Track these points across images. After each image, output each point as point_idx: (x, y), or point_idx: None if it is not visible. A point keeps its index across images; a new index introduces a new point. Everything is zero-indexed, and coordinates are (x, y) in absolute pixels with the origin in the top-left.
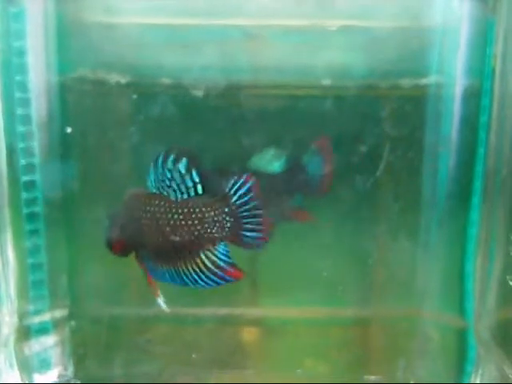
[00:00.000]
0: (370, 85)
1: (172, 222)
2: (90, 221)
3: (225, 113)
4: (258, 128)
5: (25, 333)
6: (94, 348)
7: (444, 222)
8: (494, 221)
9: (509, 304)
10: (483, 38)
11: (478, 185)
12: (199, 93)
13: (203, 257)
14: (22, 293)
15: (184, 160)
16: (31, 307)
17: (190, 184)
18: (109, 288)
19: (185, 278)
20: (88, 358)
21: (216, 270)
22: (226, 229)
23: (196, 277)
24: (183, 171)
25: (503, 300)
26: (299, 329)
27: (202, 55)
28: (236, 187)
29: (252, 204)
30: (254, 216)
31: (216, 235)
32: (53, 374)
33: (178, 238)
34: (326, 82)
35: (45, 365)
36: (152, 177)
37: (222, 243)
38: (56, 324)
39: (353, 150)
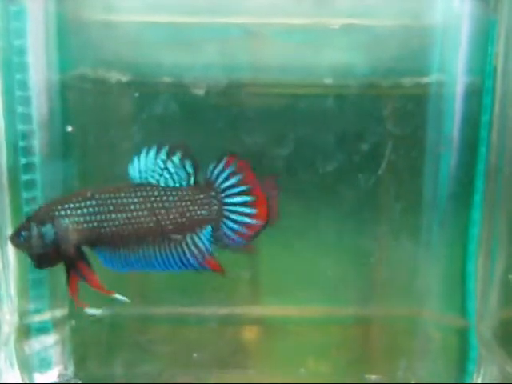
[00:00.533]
0: (371, 83)
1: (160, 208)
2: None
3: (226, 111)
4: (259, 126)
5: (25, 332)
6: (95, 347)
7: (445, 222)
8: (496, 220)
9: (511, 304)
10: (485, 36)
11: (479, 184)
12: (200, 91)
13: (188, 239)
14: (23, 292)
15: (179, 152)
16: (31, 306)
17: (184, 175)
18: (109, 287)
19: (159, 261)
20: (88, 357)
21: (197, 253)
22: (214, 211)
23: (173, 258)
24: (177, 162)
25: (505, 300)
26: (300, 328)
27: (202, 53)
28: (217, 171)
29: (237, 189)
30: (241, 203)
31: (204, 217)
32: (53, 374)
33: (168, 223)
34: (328, 80)
35: (45, 364)
36: (138, 167)
37: (208, 229)
38: (56, 323)
39: (354, 148)
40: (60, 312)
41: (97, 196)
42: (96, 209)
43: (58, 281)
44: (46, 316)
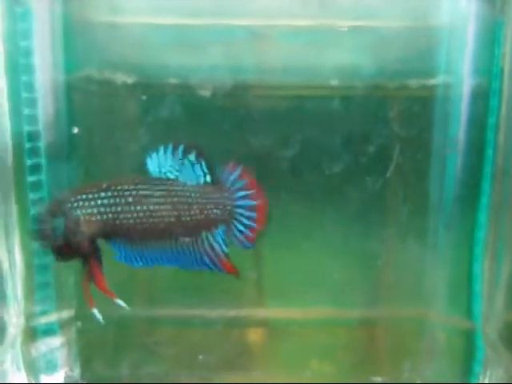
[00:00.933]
0: (377, 85)
1: (182, 204)
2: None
3: (232, 113)
4: (265, 128)
5: (31, 334)
6: (101, 349)
7: (452, 224)
8: (502, 223)
9: None
10: (491, 37)
11: (486, 186)
12: (206, 93)
13: (204, 238)
14: (29, 294)
15: (194, 151)
16: (38, 308)
17: (199, 173)
18: (115, 289)
19: (175, 257)
20: (94, 359)
21: (211, 253)
22: (227, 212)
23: (189, 256)
24: (193, 160)
25: (511, 302)
26: (306, 330)
27: (208, 55)
28: (227, 173)
29: (244, 193)
30: (248, 207)
31: (219, 217)
32: (59, 375)
33: (188, 219)
34: (334, 82)
35: (51, 366)
36: (158, 161)
37: (221, 229)
38: (62, 325)
39: (360, 150)
40: (66, 314)
41: (113, 188)
42: (112, 200)
43: (65, 283)
44: (53, 318)
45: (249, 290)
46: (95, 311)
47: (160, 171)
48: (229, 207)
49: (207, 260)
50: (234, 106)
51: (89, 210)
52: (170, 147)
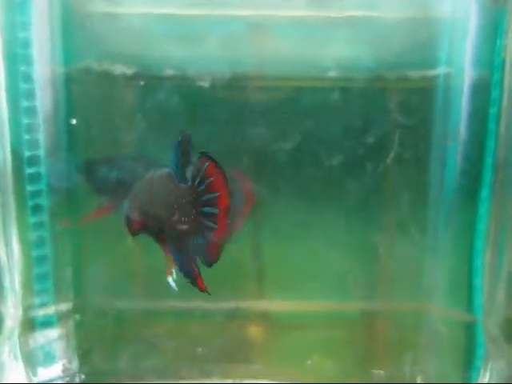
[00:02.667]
0: (377, 76)
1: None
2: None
3: (230, 104)
4: (264, 119)
5: (29, 326)
6: (99, 342)
7: (452, 216)
8: (504, 215)
9: None
10: (493, 28)
11: (487, 178)
12: (205, 84)
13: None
14: (27, 286)
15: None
16: (35, 300)
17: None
18: (114, 281)
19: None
20: (93, 351)
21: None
22: (191, 219)
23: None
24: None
25: None
26: (306, 323)
27: (207, 46)
28: (193, 173)
29: (207, 196)
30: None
31: (187, 226)
32: (57, 368)
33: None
34: (333, 73)
35: (49, 358)
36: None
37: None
38: (60, 317)
39: (360, 141)
40: (64, 306)
41: None
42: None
43: (63, 275)
44: (51, 310)
45: (249, 283)
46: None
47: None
48: (192, 215)
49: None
50: (232, 98)
51: None
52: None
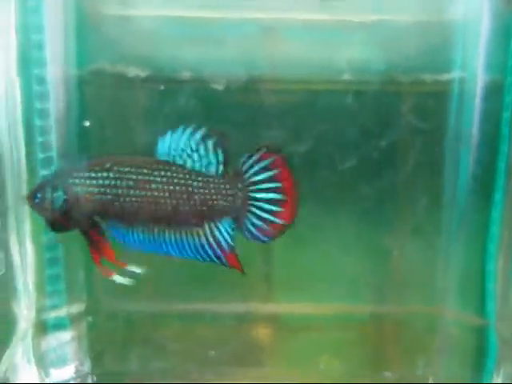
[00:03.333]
0: (391, 80)
1: (181, 192)
2: None
3: (245, 107)
4: (278, 122)
5: (42, 328)
6: (111, 343)
7: (465, 220)
8: None
9: None
10: (506, 32)
11: (500, 182)
12: (219, 87)
13: (206, 228)
14: (39, 287)
15: (214, 138)
16: (48, 302)
17: (214, 162)
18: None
19: (174, 245)
20: (104, 353)
21: (214, 244)
22: (237, 204)
23: (188, 245)
24: (210, 147)
25: None
26: (317, 325)
27: (222, 49)
28: (248, 164)
29: (269, 185)
30: (270, 200)
31: (226, 209)
32: (69, 369)
33: (187, 208)
34: (347, 76)
35: (61, 360)
36: (169, 143)
37: (228, 222)
38: (73, 319)
39: (373, 145)
40: (77, 308)
41: (116, 168)
42: (113, 182)
43: (75, 277)
44: (63, 312)
45: (259, 285)
46: (116, 277)
47: (169, 154)
48: (239, 200)
49: (210, 252)
50: (247, 100)
51: (89, 189)
52: (190, 129)
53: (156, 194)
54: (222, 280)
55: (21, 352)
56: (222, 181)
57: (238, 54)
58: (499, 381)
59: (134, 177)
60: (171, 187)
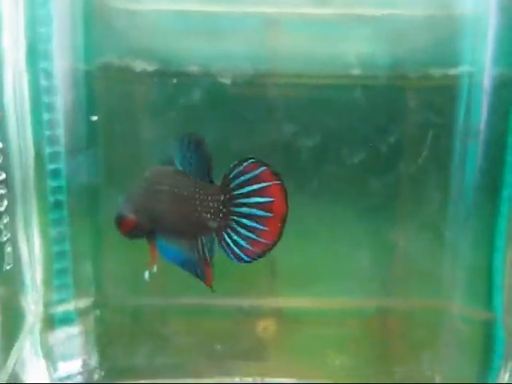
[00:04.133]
0: (399, 74)
1: (189, 200)
2: (114, 209)
3: (252, 101)
4: (287, 117)
5: (49, 321)
6: (119, 338)
7: (472, 215)
8: None
9: None
10: None
11: (508, 177)
12: (227, 81)
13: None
14: (47, 282)
15: (195, 144)
16: (56, 296)
17: (201, 169)
18: (134, 277)
19: (176, 255)
20: (112, 347)
21: (194, 259)
22: (219, 218)
23: (185, 258)
24: (196, 154)
25: None
26: (322, 320)
27: (229, 42)
28: (234, 173)
29: (252, 200)
30: (252, 217)
31: (208, 222)
32: (77, 363)
33: (180, 218)
34: (355, 71)
35: (69, 354)
36: (179, 155)
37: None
38: (80, 313)
39: (381, 140)
40: (84, 302)
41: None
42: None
43: (83, 271)
44: (71, 306)
45: (264, 280)
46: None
47: (177, 163)
48: (222, 213)
49: (190, 265)
50: (254, 95)
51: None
52: (182, 138)
53: (160, 201)
54: (227, 275)
55: (29, 346)
56: (210, 190)
57: (246, 47)
58: (506, 375)
59: (148, 185)
60: (170, 195)
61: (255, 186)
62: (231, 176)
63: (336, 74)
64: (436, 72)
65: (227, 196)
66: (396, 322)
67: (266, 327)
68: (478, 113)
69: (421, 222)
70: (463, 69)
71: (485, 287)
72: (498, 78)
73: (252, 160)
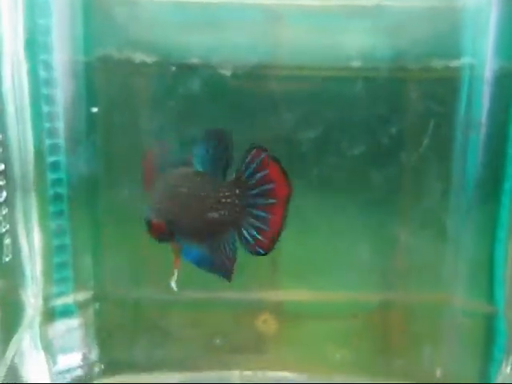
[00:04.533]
0: (400, 66)
1: (189, 198)
2: (114, 202)
3: (253, 93)
4: (287, 108)
5: (49, 315)
6: (118, 331)
7: (474, 207)
8: None
9: None
10: None
11: (509, 169)
12: (227, 72)
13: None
14: (47, 275)
15: (212, 140)
16: (55, 289)
17: (217, 165)
18: (133, 270)
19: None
20: (112, 340)
21: (222, 257)
22: (236, 212)
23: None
24: (212, 152)
25: None
26: (322, 313)
27: (229, 34)
28: (245, 165)
29: (262, 187)
30: (260, 205)
31: (227, 218)
32: (77, 356)
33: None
34: (356, 63)
35: (69, 347)
36: (199, 154)
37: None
38: (80, 306)
39: (382, 132)
40: (84, 295)
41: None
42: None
43: (83, 264)
44: (70, 299)
45: (265, 273)
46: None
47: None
48: (238, 208)
49: (213, 264)
50: (254, 86)
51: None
52: (202, 138)
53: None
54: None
55: (28, 339)
56: (224, 186)
57: (246, 39)
58: (508, 368)
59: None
60: (188, 195)
61: (260, 174)
62: (242, 168)
63: (336, 66)
64: (437, 64)
65: (240, 190)
66: (397, 315)
67: (266, 320)
68: (480, 105)
69: (422, 214)
70: (464, 61)
71: (486, 280)
72: (499, 70)
73: (254, 146)
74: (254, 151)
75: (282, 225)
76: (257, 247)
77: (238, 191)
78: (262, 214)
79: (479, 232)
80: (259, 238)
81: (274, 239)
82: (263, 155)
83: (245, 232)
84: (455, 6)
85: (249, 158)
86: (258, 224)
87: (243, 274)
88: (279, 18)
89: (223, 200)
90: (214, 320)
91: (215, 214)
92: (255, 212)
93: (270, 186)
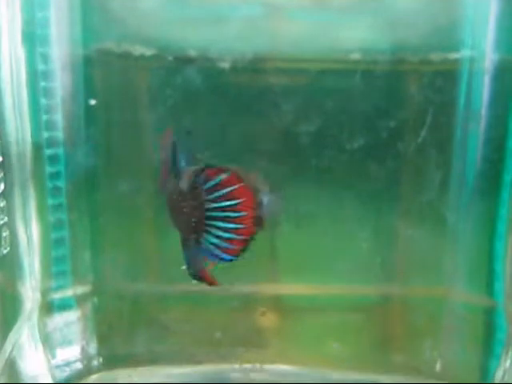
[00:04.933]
0: (399, 59)
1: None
2: (113, 195)
3: (251, 86)
4: (285, 102)
5: (47, 308)
6: (117, 324)
7: (473, 201)
8: None
9: None
10: None
11: (509, 162)
12: (225, 65)
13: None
14: (45, 268)
15: (172, 144)
16: (54, 283)
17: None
18: (133, 264)
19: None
20: (111, 334)
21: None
22: (197, 220)
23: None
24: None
25: None
26: (322, 307)
27: (228, 27)
28: (203, 178)
29: (222, 204)
30: (224, 219)
31: (191, 225)
32: (75, 350)
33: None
34: (355, 56)
35: (68, 340)
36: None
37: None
38: (79, 300)
39: (381, 125)
40: (82, 289)
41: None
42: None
43: (81, 257)
44: (69, 293)
45: (264, 266)
46: None
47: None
48: (196, 217)
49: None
50: (253, 79)
51: None
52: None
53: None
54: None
55: (26, 332)
56: (183, 193)
57: (245, 32)
58: (508, 362)
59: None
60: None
61: (223, 191)
62: (199, 182)
63: (335, 59)
64: (437, 56)
65: (198, 201)
66: (396, 308)
67: (265, 313)
68: (480, 97)
69: (422, 208)
70: (464, 53)
71: (486, 273)
72: (499, 63)
73: (212, 168)
74: (219, 168)
75: (254, 233)
76: (222, 255)
77: (194, 203)
78: (228, 225)
79: (479, 225)
80: (226, 245)
81: (244, 246)
82: (229, 173)
83: (205, 242)
84: None
85: (205, 175)
86: (222, 234)
87: (241, 267)
88: (278, 10)
89: (188, 208)
90: (212, 314)
91: (184, 219)
92: (218, 224)
93: (237, 201)
